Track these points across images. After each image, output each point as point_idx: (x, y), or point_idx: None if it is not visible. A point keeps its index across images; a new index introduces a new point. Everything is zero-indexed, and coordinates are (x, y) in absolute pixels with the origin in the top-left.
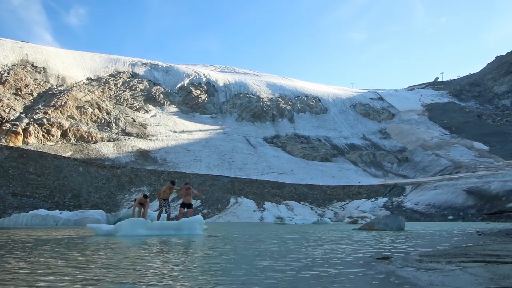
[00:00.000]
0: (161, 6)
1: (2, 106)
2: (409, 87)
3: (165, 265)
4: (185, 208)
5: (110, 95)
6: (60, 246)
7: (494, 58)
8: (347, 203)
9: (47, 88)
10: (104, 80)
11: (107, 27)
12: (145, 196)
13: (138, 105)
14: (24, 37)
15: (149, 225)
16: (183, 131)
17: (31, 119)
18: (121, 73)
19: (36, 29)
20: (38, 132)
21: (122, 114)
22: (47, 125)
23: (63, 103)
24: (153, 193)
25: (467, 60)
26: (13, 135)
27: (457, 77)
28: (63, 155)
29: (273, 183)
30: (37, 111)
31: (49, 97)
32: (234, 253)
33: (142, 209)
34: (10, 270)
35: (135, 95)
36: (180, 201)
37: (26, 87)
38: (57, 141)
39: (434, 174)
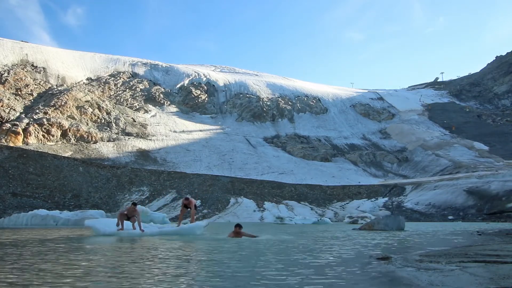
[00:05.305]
0: (160, 5)
1: (2, 106)
2: (409, 87)
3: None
4: (186, 209)
5: (110, 95)
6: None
7: (494, 58)
8: (347, 203)
9: (47, 88)
10: (104, 80)
11: (106, 27)
12: (134, 204)
13: (138, 105)
14: (22, 37)
15: (148, 232)
16: (183, 131)
17: (31, 119)
18: (121, 73)
19: (34, 29)
20: (38, 132)
21: (122, 114)
22: (47, 125)
23: (63, 103)
24: (153, 193)
25: (467, 60)
26: (13, 135)
27: (457, 77)
28: (63, 155)
29: (273, 183)
30: (37, 111)
31: (49, 97)
32: (233, 253)
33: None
34: None
35: (135, 95)
36: (180, 201)
37: (26, 87)
38: (57, 141)
39: (434, 174)
